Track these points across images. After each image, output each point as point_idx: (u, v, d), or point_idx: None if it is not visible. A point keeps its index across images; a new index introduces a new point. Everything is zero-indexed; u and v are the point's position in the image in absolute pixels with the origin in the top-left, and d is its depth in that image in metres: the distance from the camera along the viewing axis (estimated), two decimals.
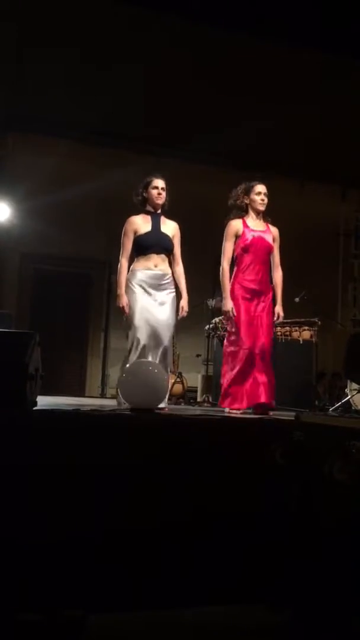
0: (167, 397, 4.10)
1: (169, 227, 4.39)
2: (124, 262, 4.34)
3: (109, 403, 5.01)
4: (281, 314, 4.54)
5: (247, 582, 2.98)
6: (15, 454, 2.82)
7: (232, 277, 4.51)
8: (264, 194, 4.52)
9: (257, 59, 8.14)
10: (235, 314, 4.41)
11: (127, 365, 4.07)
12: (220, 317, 6.24)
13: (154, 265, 4.30)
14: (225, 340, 4.61)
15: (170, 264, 4.39)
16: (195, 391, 7.85)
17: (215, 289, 6.77)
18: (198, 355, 7.90)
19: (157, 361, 4.14)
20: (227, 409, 4.39)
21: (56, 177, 8.07)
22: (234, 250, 4.51)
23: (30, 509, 2.79)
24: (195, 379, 7.94)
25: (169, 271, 4.36)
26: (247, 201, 4.54)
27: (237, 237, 4.50)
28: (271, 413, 4.33)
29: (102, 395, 8.57)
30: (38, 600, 2.72)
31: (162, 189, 4.36)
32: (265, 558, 2.97)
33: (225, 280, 4.48)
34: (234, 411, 4.32)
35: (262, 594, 2.93)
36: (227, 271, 4.50)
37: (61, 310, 8.88)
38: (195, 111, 8.12)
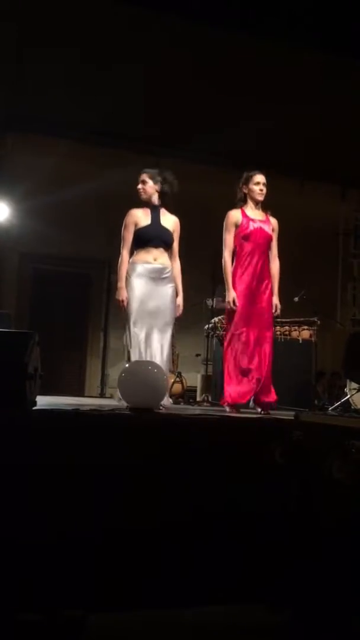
0: (167, 394, 4.10)
1: (169, 221, 4.39)
2: (125, 253, 4.34)
3: (109, 403, 5.01)
4: (279, 305, 4.55)
5: (246, 582, 2.98)
6: (14, 454, 2.82)
7: (233, 267, 4.51)
8: (263, 183, 4.52)
9: (257, 59, 8.14)
10: (237, 304, 4.41)
11: (126, 365, 4.07)
12: (220, 317, 6.24)
13: (154, 259, 4.30)
14: (225, 333, 4.61)
15: (170, 258, 4.39)
16: (195, 391, 7.85)
17: (215, 288, 6.79)
18: (197, 355, 7.89)
19: (156, 355, 4.14)
20: (227, 408, 4.39)
21: (55, 177, 8.07)
22: (234, 241, 4.52)
23: (30, 508, 2.79)
24: (194, 379, 7.94)
25: (169, 264, 4.36)
26: (245, 191, 4.55)
27: (236, 227, 4.50)
28: (271, 412, 4.34)
29: (102, 395, 8.56)
30: (38, 600, 2.71)
31: (143, 181, 4.37)
32: (265, 558, 2.96)
33: (227, 271, 4.48)
34: (234, 407, 4.33)
35: (261, 594, 2.92)
36: (229, 262, 4.50)
37: (60, 310, 8.88)
38: (195, 111, 8.12)
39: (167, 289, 4.31)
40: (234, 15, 7.56)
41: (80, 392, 8.60)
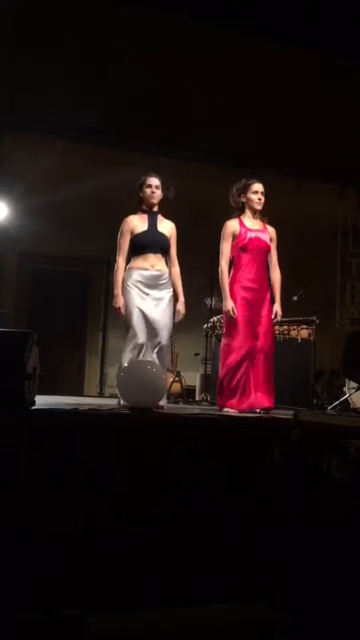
0: (166, 394, 4.10)
1: (166, 227, 4.38)
2: (120, 261, 4.33)
3: (108, 402, 5.01)
4: (280, 312, 4.54)
5: (247, 580, 2.99)
6: (14, 453, 2.82)
7: (230, 277, 4.51)
8: (261, 192, 4.50)
9: (257, 59, 8.15)
10: (235, 313, 4.40)
11: (125, 365, 4.07)
12: (218, 316, 6.24)
13: (151, 266, 4.28)
14: (223, 339, 4.60)
15: (167, 264, 4.37)
16: (194, 390, 7.85)
17: (214, 288, 6.78)
18: (196, 354, 7.90)
19: (155, 360, 4.13)
20: (225, 409, 4.39)
21: (54, 176, 8.05)
22: (231, 250, 4.51)
23: (29, 508, 2.79)
24: (193, 378, 7.94)
25: (166, 270, 4.34)
26: (243, 200, 4.53)
27: (234, 236, 4.49)
28: (269, 412, 4.33)
29: (101, 395, 8.56)
30: (37, 599, 2.71)
31: (157, 187, 4.34)
32: (265, 556, 2.97)
33: (224, 281, 4.47)
34: (232, 410, 4.32)
35: (262, 592, 2.93)
36: (225, 271, 4.49)
37: (59, 310, 8.86)
38: (195, 110, 8.13)
39: (164, 294, 4.29)
40: (234, 15, 7.58)
41: (79, 392, 8.60)
